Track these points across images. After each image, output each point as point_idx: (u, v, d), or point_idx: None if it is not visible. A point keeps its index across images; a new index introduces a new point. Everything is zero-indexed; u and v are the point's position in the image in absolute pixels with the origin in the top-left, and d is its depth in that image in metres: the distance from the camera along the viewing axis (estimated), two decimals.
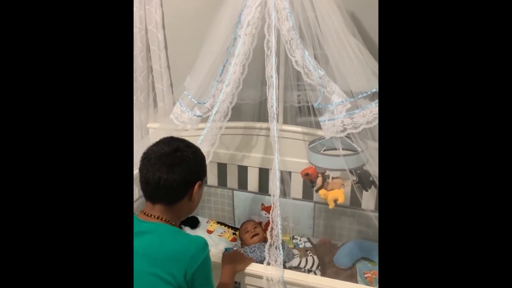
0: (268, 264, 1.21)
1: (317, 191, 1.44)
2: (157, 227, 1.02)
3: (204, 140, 1.47)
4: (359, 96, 1.29)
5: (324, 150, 1.41)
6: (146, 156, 1.04)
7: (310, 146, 1.49)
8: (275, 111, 1.32)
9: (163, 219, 1.03)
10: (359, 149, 1.31)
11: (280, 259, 1.19)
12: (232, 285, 1.18)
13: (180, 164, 1.01)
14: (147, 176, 1.01)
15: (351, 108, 1.29)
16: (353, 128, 1.27)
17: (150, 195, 1.04)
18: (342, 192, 1.38)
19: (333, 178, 1.45)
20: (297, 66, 1.34)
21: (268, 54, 1.36)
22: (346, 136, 1.31)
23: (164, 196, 1.02)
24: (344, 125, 1.28)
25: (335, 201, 1.39)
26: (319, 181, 1.44)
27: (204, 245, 1.02)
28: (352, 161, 1.34)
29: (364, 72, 1.27)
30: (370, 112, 1.27)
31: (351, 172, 1.43)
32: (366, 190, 1.43)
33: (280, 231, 1.23)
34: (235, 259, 1.24)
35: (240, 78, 1.44)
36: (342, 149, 1.39)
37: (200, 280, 1.00)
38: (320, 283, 1.14)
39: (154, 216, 1.03)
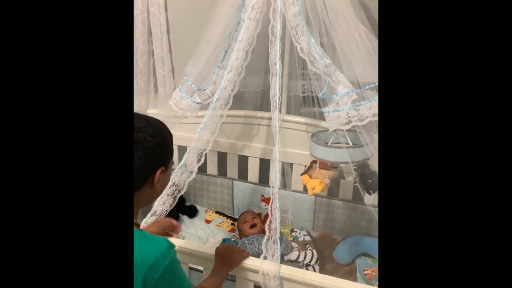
0: (265, 258, 1.17)
1: (301, 175, 1.42)
2: None
3: (204, 128, 1.42)
4: (366, 87, 1.23)
5: (328, 143, 1.36)
6: None
7: (312, 136, 1.44)
8: (277, 100, 1.27)
9: None
10: (364, 143, 1.26)
11: (278, 253, 1.15)
12: (220, 285, 1.13)
13: (135, 148, 0.84)
14: None
15: (357, 99, 1.24)
16: (358, 121, 1.22)
17: None
18: (319, 183, 1.35)
19: (320, 168, 1.42)
20: (302, 53, 1.29)
21: (273, 40, 1.30)
22: (350, 129, 1.26)
23: None
24: (349, 117, 1.23)
25: (313, 189, 1.37)
26: (307, 166, 1.41)
27: (166, 250, 0.85)
28: (355, 154, 1.29)
29: (372, 62, 1.21)
30: (376, 104, 1.21)
31: (354, 169, 1.39)
32: (370, 194, 1.39)
33: (278, 224, 1.19)
34: (228, 256, 1.18)
35: (242, 64, 1.38)
36: (346, 143, 1.34)
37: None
38: (317, 280, 1.10)
39: None
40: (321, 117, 1.76)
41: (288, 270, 1.14)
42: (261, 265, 1.15)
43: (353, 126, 1.23)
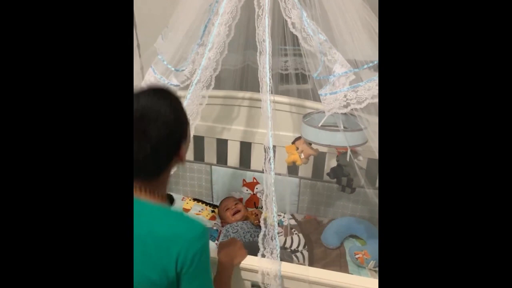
0: (263, 256, 1.08)
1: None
2: (145, 208, 0.83)
3: None
4: (364, 67, 1.13)
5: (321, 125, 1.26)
6: None
7: (304, 117, 1.35)
8: (268, 82, 1.14)
9: (150, 192, 0.86)
10: (363, 126, 1.18)
11: (277, 251, 1.07)
12: (230, 282, 1.05)
13: (153, 125, 0.80)
14: None
15: (354, 80, 1.14)
16: (357, 103, 1.13)
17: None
18: (290, 153, 1.38)
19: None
20: (294, 29, 1.16)
21: (260, 13, 1.15)
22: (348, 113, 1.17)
23: (147, 170, 0.84)
24: (347, 99, 1.13)
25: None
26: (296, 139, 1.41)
27: (202, 233, 0.84)
28: (352, 138, 1.21)
29: (370, 38, 1.11)
30: (375, 85, 1.12)
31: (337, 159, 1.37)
32: (343, 191, 1.39)
33: (275, 220, 1.10)
34: (233, 250, 1.09)
35: (225, 41, 1.23)
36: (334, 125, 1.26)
37: (195, 272, 0.82)
38: (322, 277, 1.03)
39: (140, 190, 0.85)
40: (302, 95, 1.68)
41: (289, 268, 1.06)
42: (259, 264, 1.07)
43: (351, 110, 1.14)
